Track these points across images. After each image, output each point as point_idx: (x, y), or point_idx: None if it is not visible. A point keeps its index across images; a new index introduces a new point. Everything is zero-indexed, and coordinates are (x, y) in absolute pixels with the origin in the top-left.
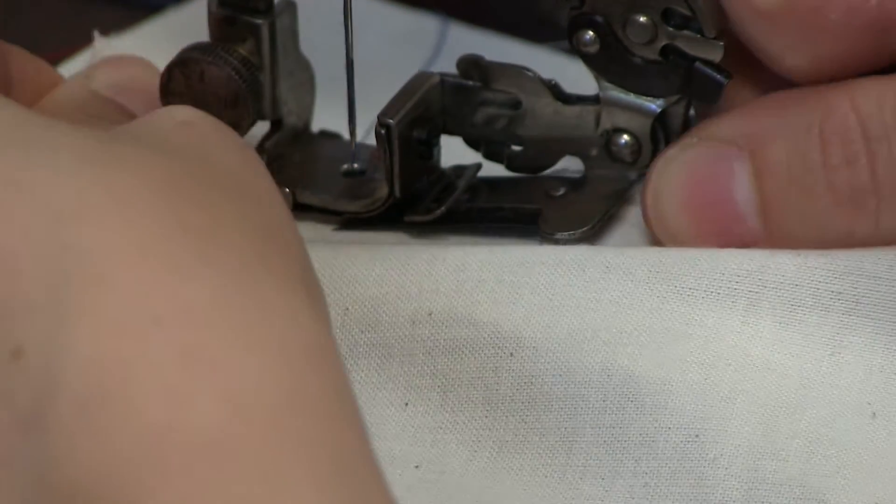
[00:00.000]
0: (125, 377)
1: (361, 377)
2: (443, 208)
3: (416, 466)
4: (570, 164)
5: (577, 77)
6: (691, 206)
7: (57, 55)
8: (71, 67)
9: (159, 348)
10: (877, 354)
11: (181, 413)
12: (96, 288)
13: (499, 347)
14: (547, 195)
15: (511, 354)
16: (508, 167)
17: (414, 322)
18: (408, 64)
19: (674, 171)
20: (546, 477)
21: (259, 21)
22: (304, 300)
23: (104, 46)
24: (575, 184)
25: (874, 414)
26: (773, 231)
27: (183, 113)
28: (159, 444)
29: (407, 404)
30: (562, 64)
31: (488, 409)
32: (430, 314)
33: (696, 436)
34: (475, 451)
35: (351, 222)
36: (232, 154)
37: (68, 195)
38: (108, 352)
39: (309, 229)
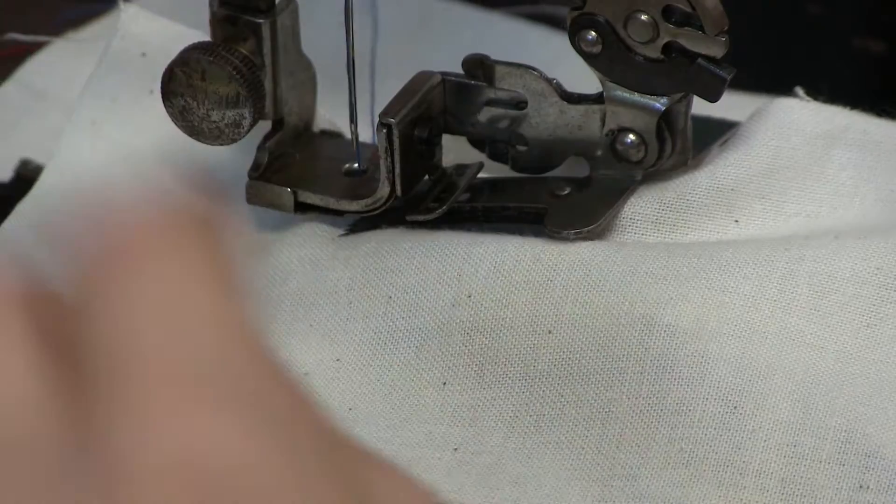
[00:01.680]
0: None
1: (400, 360)
2: (444, 207)
3: (455, 449)
4: (575, 166)
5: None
6: None
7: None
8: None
9: None
10: None
11: None
12: None
13: (537, 325)
14: (552, 195)
15: (549, 331)
16: (513, 168)
17: (454, 304)
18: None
19: None
20: (583, 449)
21: (260, 20)
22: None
23: (133, 15)
24: (580, 184)
25: None
26: None
27: None
28: None
29: (445, 384)
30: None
31: (525, 384)
32: (470, 296)
33: (735, 407)
34: (512, 428)
35: (357, 227)
36: None
37: None
38: None
39: (316, 234)
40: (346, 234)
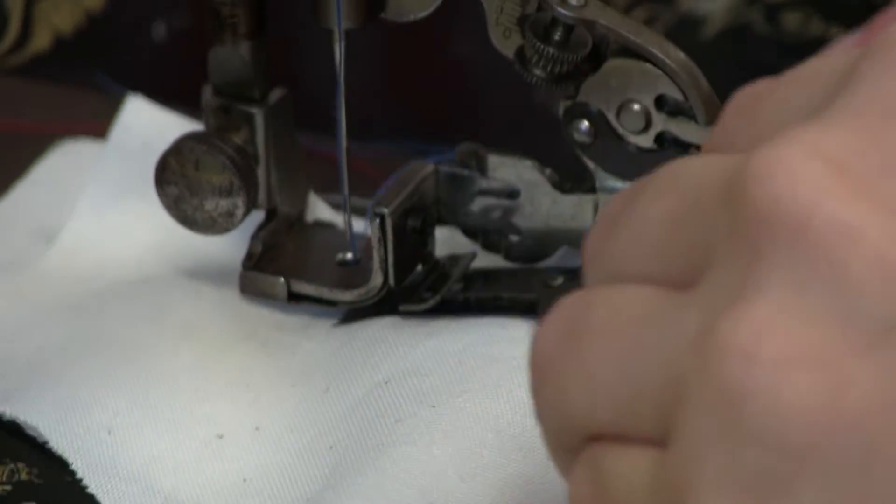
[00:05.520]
0: None
1: (309, 436)
2: (437, 297)
3: None
4: (569, 256)
5: None
6: None
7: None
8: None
9: None
10: None
11: None
12: None
13: (423, 398)
14: (545, 285)
15: (433, 406)
16: (507, 258)
17: (374, 386)
18: None
19: None
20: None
21: (254, 110)
22: None
23: (135, 106)
24: (573, 274)
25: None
26: None
27: None
28: None
29: (331, 447)
30: None
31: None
32: (387, 382)
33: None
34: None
35: (350, 316)
36: None
37: None
38: None
39: (311, 325)
40: (339, 325)
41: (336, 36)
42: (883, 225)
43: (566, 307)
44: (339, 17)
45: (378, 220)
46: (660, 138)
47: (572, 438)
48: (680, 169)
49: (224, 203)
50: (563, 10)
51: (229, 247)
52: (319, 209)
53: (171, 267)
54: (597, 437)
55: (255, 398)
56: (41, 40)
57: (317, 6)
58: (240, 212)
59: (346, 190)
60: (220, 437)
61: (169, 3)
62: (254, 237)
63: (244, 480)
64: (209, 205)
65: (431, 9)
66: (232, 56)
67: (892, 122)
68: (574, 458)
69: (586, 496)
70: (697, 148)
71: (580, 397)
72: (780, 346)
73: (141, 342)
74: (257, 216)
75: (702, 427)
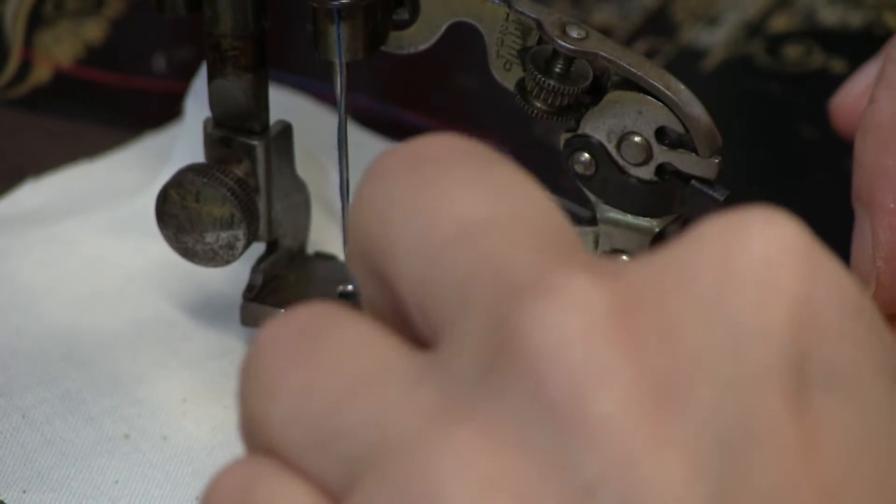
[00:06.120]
0: None
1: None
2: None
3: None
4: None
5: None
6: None
7: None
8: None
9: None
10: None
11: None
12: None
13: None
14: None
15: None
16: None
17: None
18: None
19: None
20: None
21: (255, 142)
22: None
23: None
24: None
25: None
26: None
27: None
28: None
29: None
30: None
31: None
32: None
33: None
34: None
35: None
36: None
37: None
38: None
39: None
40: None
41: (337, 68)
42: (630, 390)
43: (315, 310)
44: (340, 50)
45: None
46: (660, 170)
47: (256, 435)
48: None
49: (225, 235)
50: (563, 43)
51: (230, 279)
52: (321, 241)
53: (171, 298)
54: (274, 453)
55: (183, 412)
56: (41, 73)
57: (318, 39)
58: (241, 244)
59: (346, 223)
60: (126, 437)
61: (170, 35)
62: (255, 269)
63: (116, 482)
64: (210, 237)
65: (431, 41)
66: (233, 88)
67: (680, 295)
68: (249, 450)
69: (229, 500)
70: (699, 179)
71: (286, 402)
72: (487, 466)
73: (104, 353)
74: (258, 248)
75: None
